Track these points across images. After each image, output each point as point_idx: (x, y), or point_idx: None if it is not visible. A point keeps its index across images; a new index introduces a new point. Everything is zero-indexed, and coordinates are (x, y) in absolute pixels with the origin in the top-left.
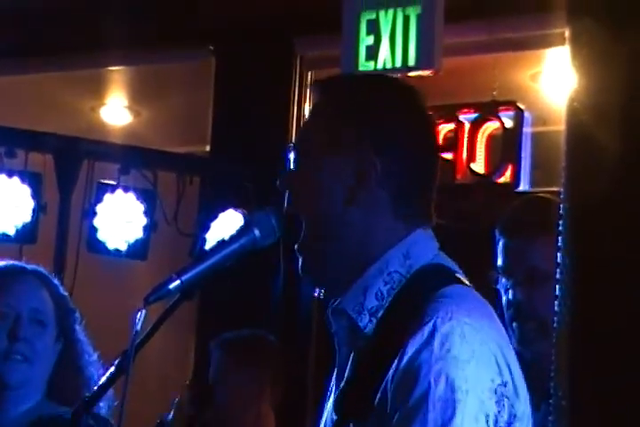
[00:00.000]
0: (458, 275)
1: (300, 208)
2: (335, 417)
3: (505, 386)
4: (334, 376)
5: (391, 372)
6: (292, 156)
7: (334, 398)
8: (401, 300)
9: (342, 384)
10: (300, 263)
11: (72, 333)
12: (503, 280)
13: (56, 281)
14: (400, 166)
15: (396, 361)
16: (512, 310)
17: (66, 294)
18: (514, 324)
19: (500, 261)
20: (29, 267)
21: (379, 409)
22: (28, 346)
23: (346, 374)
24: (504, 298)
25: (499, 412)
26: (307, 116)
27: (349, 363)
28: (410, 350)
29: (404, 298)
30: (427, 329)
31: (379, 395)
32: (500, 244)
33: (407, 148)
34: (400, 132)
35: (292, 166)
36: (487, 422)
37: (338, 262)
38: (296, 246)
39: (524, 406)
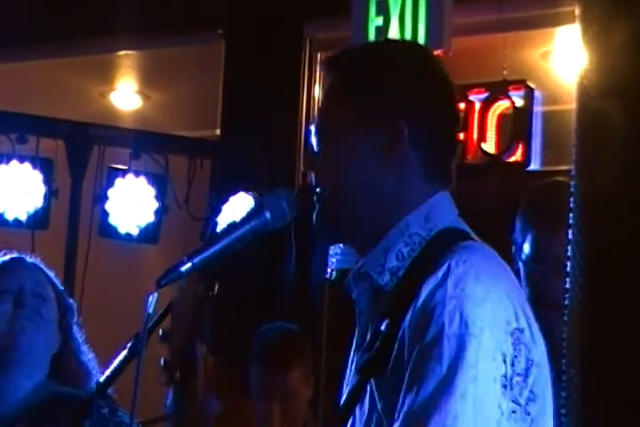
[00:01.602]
0: (475, 238)
1: (331, 184)
2: (356, 379)
3: (522, 332)
4: (354, 345)
5: (407, 317)
6: (315, 137)
7: (356, 363)
8: (420, 259)
9: (363, 348)
10: (318, 219)
11: (70, 329)
12: (531, 265)
13: (54, 277)
14: (431, 132)
15: (411, 307)
16: (534, 296)
17: (61, 287)
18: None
19: (528, 250)
20: (30, 260)
21: (396, 357)
22: (32, 312)
23: (367, 338)
24: (525, 279)
25: (515, 356)
26: (325, 93)
27: (368, 329)
28: (424, 293)
29: (422, 257)
30: (440, 272)
31: (396, 344)
32: (529, 236)
33: (434, 112)
34: (427, 97)
35: (317, 147)
36: (504, 361)
37: (361, 224)
38: (316, 212)
39: (540, 354)
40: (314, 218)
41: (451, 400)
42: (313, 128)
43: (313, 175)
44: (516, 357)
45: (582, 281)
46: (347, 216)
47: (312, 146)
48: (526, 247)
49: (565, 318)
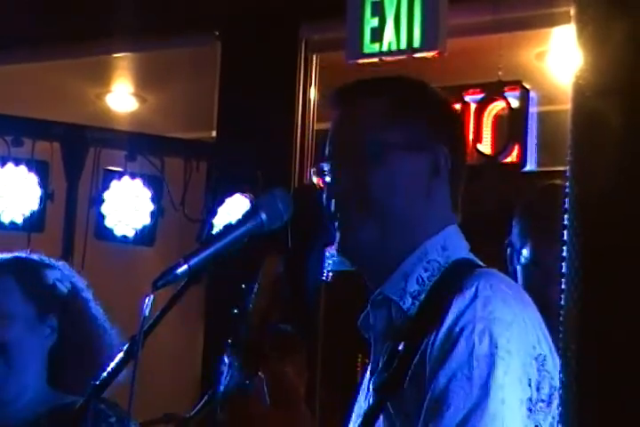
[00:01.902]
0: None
1: (367, 212)
2: (374, 399)
3: (545, 359)
4: (368, 375)
5: (432, 337)
6: (335, 164)
7: (373, 385)
8: (442, 283)
9: (378, 371)
10: (340, 244)
11: (67, 319)
12: (531, 269)
13: (51, 277)
14: (460, 159)
15: (437, 328)
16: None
17: (65, 290)
18: None
19: (527, 254)
20: (7, 263)
21: (414, 373)
22: None
23: (381, 363)
24: (523, 282)
25: (539, 382)
26: (345, 121)
27: (385, 353)
28: (452, 313)
29: (444, 281)
30: (468, 294)
31: (416, 359)
32: (528, 241)
33: (462, 141)
34: (452, 124)
35: (339, 175)
36: (529, 385)
37: (384, 250)
38: (340, 238)
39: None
40: (336, 245)
41: (482, 421)
42: (337, 152)
43: (333, 201)
44: (540, 382)
45: (577, 282)
46: (373, 242)
47: (331, 174)
48: (525, 252)
49: (561, 319)
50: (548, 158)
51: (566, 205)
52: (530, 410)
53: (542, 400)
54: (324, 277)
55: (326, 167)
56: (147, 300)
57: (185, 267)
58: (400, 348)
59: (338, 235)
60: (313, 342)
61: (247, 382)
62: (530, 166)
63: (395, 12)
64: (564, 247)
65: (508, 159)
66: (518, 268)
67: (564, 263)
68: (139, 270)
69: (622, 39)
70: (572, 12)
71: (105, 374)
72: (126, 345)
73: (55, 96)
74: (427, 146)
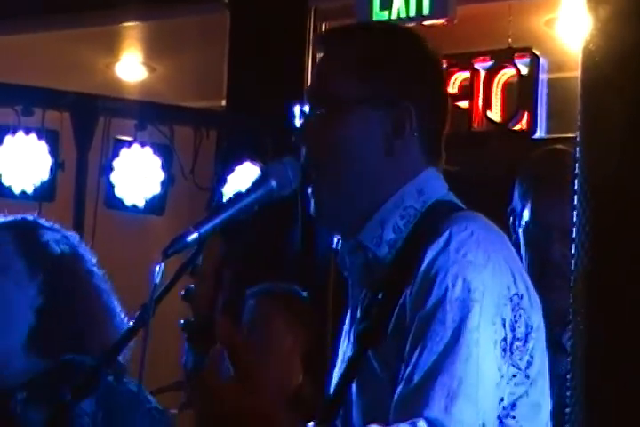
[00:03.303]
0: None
1: (329, 161)
2: (355, 348)
3: (521, 298)
4: (348, 319)
5: (409, 285)
6: (309, 109)
7: (354, 334)
8: (417, 230)
9: (358, 319)
10: (314, 207)
11: (58, 280)
12: (532, 230)
13: (48, 237)
14: (429, 113)
15: (413, 277)
16: (537, 263)
17: (59, 250)
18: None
19: (528, 215)
20: (7, 221)
21: (396, 323)
22: None
23: (360, 311)
24: (525, 246)
25: (515, 322)
26: (323, 67)
27: (363, 300)
28: (426, 259)
29: (420, 228)
30: (442, 239)
31: (396, 310)
32: (529, 201)
33: (434, 94)
34: (428, 80)
35: (308, 120)
36: (504, 325)
37: (357, 202)
38: (310, 192)
39: (538, 319)
40: (310, 201)
41: (455, 363)
42: (312, 98)
43: (306, 148)
44: (515, 322)
45: (587, 246)
46: (342, 195)
47: (304, 117)
48: (526, 213)
49: (571, 284)
50: (557, 125)
51: (576, 171)
52: (504, 350)
53: (518, 339)
54: (334, 246)
55: (301, 109)
56: (157, 268)
57: (195, 235)
58: (379, 297)
59: (309, 191)
60: (323, 308)
61: (201, 362)
62: (539, 133)
63: None
64: (574, 212)
65: (518, 126)
66: (520, 231)
67: (574, 228)
68: (149, 239)
69: (631, 3)
70: None
71: (116, 341)
72: (137, 313)
73: (65, 66)
74: (394, 103)
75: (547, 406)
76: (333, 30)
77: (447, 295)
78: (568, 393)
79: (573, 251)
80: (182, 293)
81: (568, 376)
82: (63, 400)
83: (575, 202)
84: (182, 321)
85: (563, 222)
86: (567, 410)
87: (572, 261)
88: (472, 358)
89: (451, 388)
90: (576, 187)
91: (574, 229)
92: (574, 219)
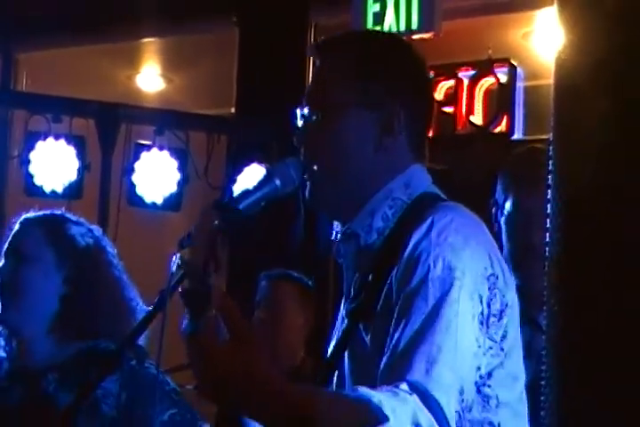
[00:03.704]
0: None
1: (324, 160)
2: (346, 324)
3: (497, 278)
4: (343, 299)
5: (395, 267)
6: (306, 113)
7: (346, 312)
8: (404, 218)
9: (350, 298)
10: (309, 192)
11: (83, 271)
12: (514, 218)
13: (74, 231)
14: (416, 113)
15: (399, 259)
16: (520, 249)
17: (84, 243)
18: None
19: (510, 206)
20: (38, 216)
21: (384, 302)
22: (9, 264)
23: (353, 292)
24: (507, 235)
25: (491, 299)
26: (317, 75)
27: (355, 282)
28: (411, 244)
29: (406, 217)
30: (425, 224)
31: (384, 290)
32: (511, 194)
33: (421, 95)
34: (416, 82)
35: (307, 122)
36: (481, 301)
37: (349, 194)
38: (309, 187)
39: (512, 297)
40: (307, 193)
41: (435, 333)
42: (307, 103)
43: (304, 148)
44: (491, 299)
45: (559, 238)
46: (338, 188)
47: (303, 119)
48: (508, 204)
49: (546, 269)
50: (533, 127)
51: (550, 166)
52: (481, 323)
53: (494, 315)
54: (332, 237)
55: (301, 112)
56: (173, 258)
57: None
58: (369, 279)
59: (308, 185)
60: (325, 293)
61: (194, 328)
62: (517, 135)
63: None
64: (548, 204)
65: (498, 129)
66: (502, 220)
67: (548, 219)
68: (167, 233)
69: (599, 17)
70: None
71: (136, 325)
72: (155, 299)
73: (90, 78)
74: (382, 105)
75: (522, 377)
76: (327, 39)
77: (429, 274)
78: (543, 367)
79: (547, 239)
80: (178, 261)
81: (543, 352)
82: (89, 381)
83: (549, 195)
84: (180, 289)
85: (543, 209)
86: (542, 382)
87: (547, 249)
88: (451, 328)
89: (431, 355)
90: (549, 181)
91: (548, 220)
92: (549, 210)
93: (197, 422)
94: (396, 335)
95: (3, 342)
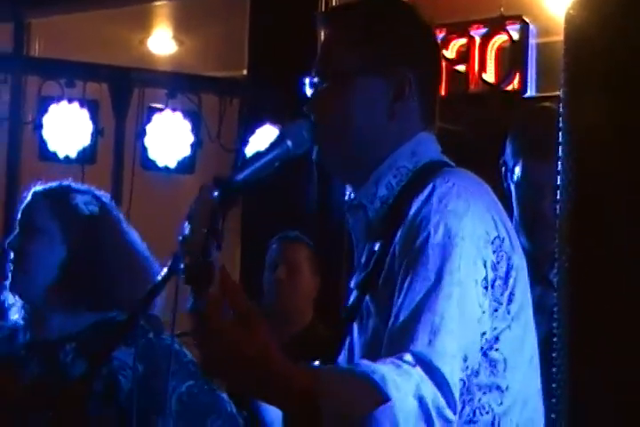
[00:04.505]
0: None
1: (335, 128)
2: (354, 295)
3: (502, 241)
4: (355, 269)
5: (397, 235)
6: (316, 81)
7: (354, 282)
8: (407, 186)
9: (360, 267)
10: (318, 157)
11: (88, 244)
12: (524, 187)
13: (78, 199)
14: (426, 78)
15: (401, 226)
16: (530, 216)
17: (87, 211)
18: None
19: (519, 173)
20: (45, 188)
21: (388, 270)
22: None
23: (362, 261)
24: (517, 199)
25: (497, 262)
26: (325, 44)
27: (364, 253)
28: (412, 210)
29: (409, 184)
30: (426, 191)
31: (387, 259)
32: (520, 160)
33: (430, 60)
34: (424, 47)
35: (317, 91)
36: (485, 266)
37: (360, 161)
38: (317, 149)
39: (519, 259)
40: (314, 155)
41: (438, 301)
42: (317, 72)
43: (314, 116)
44: (498, 262)
45: (570, 191)
46: (347, 155)
47: (313, 87)
48: (517, 170)
49: (557, 227)
50: (546, 85)
51: (560, 125)
52: (485, 288)
53: (500, 278)
54: (346, 197)
55: (311, 80)
56: (186, 222)
57: (217, 192)
58: (376, 248)
59: (316, 147)
60: (339, 258)
61: (197, 304)
62: (530, 93)
63: None
64: (559, 162)
65: (510, 87)
66: (511, 185)
67: (558, 177)
68: (181, 196)
69: None
70: None
71: (149, 289)
72: (169, 262)
73: (103, 42)
74: (391, 70)
75: (531, 340)
76: (334, 8)
77: (429, 241)
78: (555, 324)
79: (558, 197)
80: (180, 238)
81: (555, 309)
82: (102, 350)
83: (560, 152)
84: (181, 265)
85: (553, 180)
86: (554, 339)
87: (557, 206)
88: (453, 296)
89: (434, 324)
90: (561, 138)
91: (559, 177)
92: (559, 167)
93: (215, 393)
94: (398, 304)
95: (22, 313)
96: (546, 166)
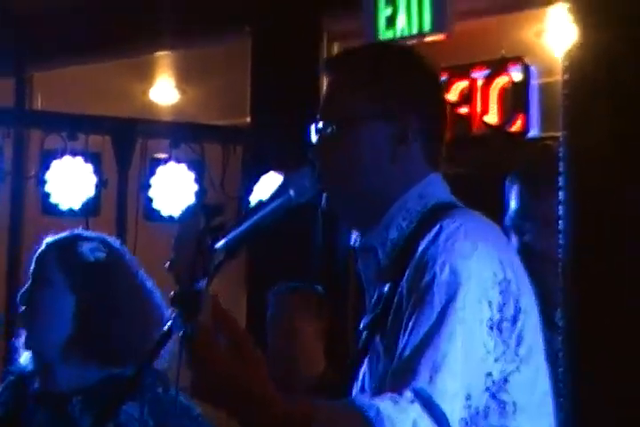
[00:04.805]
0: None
1: (340, 173)
2: (364, 336)
3: (509, 283)
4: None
5: (406, 274)
6: (321, 127)
7: (363, 323)
8: (417, 227)
9: (369, 310)
10: (326, 204)
11: (96, 293)
12: (517, 222)
13: (84, 247)
14: (430, 122)
15: (409, 266)
16: (525, 249)
17: (93, 258)
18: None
19: (514, 205)
20: (54, 239)
21: (396, 309)
22: (30, 287)
23: (372, 303)
24: (515, 238)
25: (504, 304)
26: (330, 89)
27: (375, 295)
28: (419, 250)
29: (419, 226)
30: (434, 231)
31: (395, 299)
32: (517, 190)
33: (434, 105)
34: (428, 92)
35: (322, 137)
36: (490, 306)
37: (366, 206)
38: (326, 196)
39: (528, 302)
40: (323, 201)
41: (441, 339)
42: (322, 118)
43: (320, 162)
44: (504, 304)
45: (573, 239)
46: (354, 200)
47: (318, 133)
48: (513, 204)
49: (560, 271)
50: (549, 125)
51: (560, 154)
52: (491, 328)
53: (507, 320)
54: (352, 243)
55: (316, 127)
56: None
57: (223, 242)
58: (385, 290)
59: (324, 194)
60: (343, 304)
61: (187, 332)
62: (533, 133)
63: (406, 1)
64: (561, 206)
65: (514, 128)
66: (507, 219)
67: (560, 221)
68: None
69: (607, 16)
70: None
71: (154, 344)
72: (171, 317)
73: (105, 94)
74: (396, 115)
75: (543, 382)
76: (339, 54)
77: (435, 280)
78: (560, 369)
79: (561, 241)
80: (167, 266)
81: (560, 353)
82: (108, 404)
83: (561, 197)
84: (172, 293)
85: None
86: (560, 385)
87: (560, 250)
88: (456, 334)
89: (435, 361)
90: (562, 183)
91: (561, 222)
92: (561, 213)
93: None
94: (403, 342)
95: (33, 362)
96: (542, 200)
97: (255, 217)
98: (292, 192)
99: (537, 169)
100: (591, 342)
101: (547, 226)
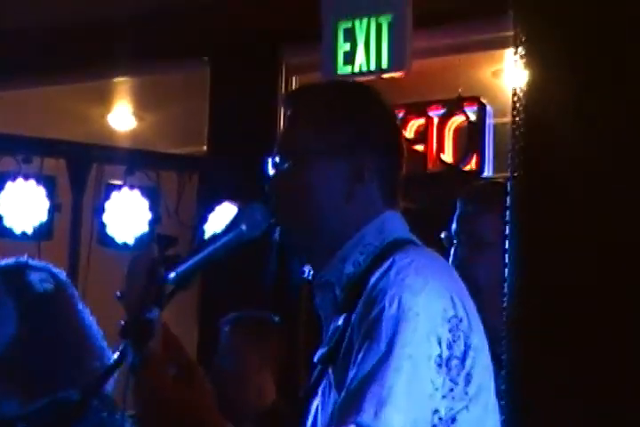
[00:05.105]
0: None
1: (295, 209)
2: (317, 369)
3: (460, 320)
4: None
5: (356, 309)
6: (277, 161)
7: (317, 356)
8: (373, 262)
9: (323, 344)
10: (281, 239)
11: (40, 323)
12: (454, 242)
13: (32, 277)
14: (386, 161)
15: (360, 300)
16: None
17: (41, 289)
18: None
19: (454, 226)
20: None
21: (347, 343)
22: None
23: (328, 335)
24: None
25: (453, 340)
26: (288, 124)
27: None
28: (370, 283)
29: (375, 261)
30: (386, 265)
31: (347, 332)
32: (457, 212)
33: (390, 144)
34: (385, 131)
35: (278, 172)
36: (439, 343)
37: (321, 242)
38: (281, 232)
39: (479, 340)
40: (277, 234)
41: (386, 373)
42: (279, 152)
43: (275, 197)
44: (454, 341)
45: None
46: (309, 236)
47: (275, 167)
48: (453, 225)
49: (505, 305)
50: (504, 165)
51: (508, 187)
52: (439, 365)
53: (456, 357)
54: (305, 275)
55: (273, 160)
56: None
57: (173, 274)
58: (339, 322)
59: (278, 228)
60: (295, 335)
61: (137, 360)
62: (487, 173)
63: (365, 37)
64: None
65: (468, 167)
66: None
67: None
68: None
69: (554, 57)
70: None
71: (103, 371)
72: (121, 345)
73: (62, 117)
74: (352, 153)
75: (492, 420)
76: (297, 89)
77: (384, 314)
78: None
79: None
80: (117, 295)
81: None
82: None
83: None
84: (121, 323)
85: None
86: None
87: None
88: (402, 370)
89: (381, 396)
90: (507, 217)
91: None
92: (506, 246)
93: None
94: (351, 376)
95: None
96: (479, 221)
97: (208, 249)
98: (243, 227)
99: (481, 190)
100: (533, 374)
101: (478, 247)
